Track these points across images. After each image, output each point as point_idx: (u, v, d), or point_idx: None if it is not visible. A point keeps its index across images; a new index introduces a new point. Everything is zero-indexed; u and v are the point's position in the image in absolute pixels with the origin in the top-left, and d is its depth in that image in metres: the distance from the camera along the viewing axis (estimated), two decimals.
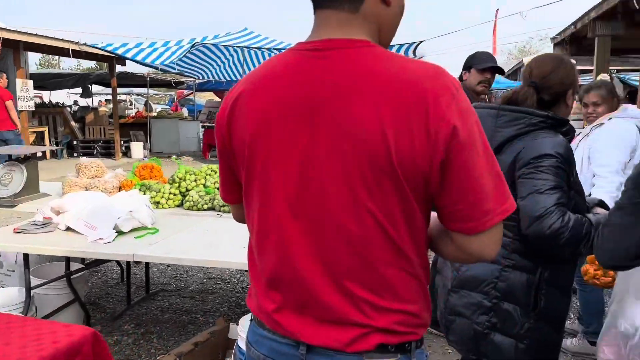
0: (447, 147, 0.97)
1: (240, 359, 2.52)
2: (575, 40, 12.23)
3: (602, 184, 2.75)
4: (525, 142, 1.81)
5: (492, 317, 1.85)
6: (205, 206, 3.68)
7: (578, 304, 3.54)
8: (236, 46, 10.99)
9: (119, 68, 14.62)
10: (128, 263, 4.28)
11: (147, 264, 4.36)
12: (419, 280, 1.10)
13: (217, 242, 2.89)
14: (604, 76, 3.33)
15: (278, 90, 1.07)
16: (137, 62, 11.23)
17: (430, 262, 2.00)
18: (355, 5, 1.06)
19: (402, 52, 9.79)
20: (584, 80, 15.27)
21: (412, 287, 1.09)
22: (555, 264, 1.82)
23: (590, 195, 2.56)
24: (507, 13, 36.95)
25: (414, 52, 9.72)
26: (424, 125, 0.97)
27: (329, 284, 1.06)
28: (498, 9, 19.99)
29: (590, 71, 9.98)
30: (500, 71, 3.53)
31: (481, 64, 3.47)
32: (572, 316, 3.87)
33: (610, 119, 3.08)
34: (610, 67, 12.71)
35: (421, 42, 9.47)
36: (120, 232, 3.00)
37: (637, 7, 6.60)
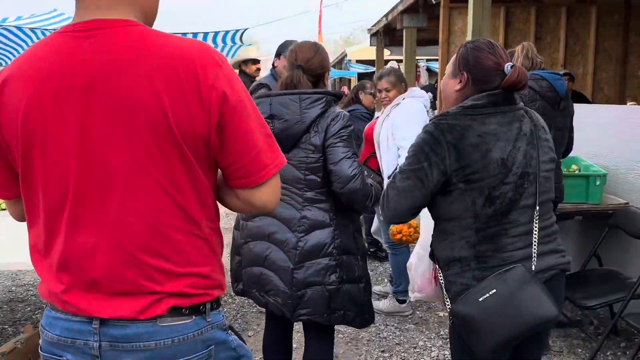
0: (220, 111, 1.06)
1: None
2: (389, 32, 13.30)
3: (406, 154, 3.13)
4: (326, 117, 2.10)
5: (340, 272, 2.13)
6: None
7: (391, 269, 3.91)
8: (44, 29, 9.95)
9: None
10: None
11: None
12: (209, 243, 1.15)
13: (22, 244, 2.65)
14: (393, 64, 3.73)
15: (45, 73, 1.07)
16: None
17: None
18: None
19: (228, 38, 9.74)
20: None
21: (203, 250, 1.14)
22: (356, 213, 2.26)
23: (398, 165, 2.89)
24: (329, 3, 38.56)
25: (240, 38, 9.73)
26: (197, 93, 1.04)
27: (119, 257, 1.08)
28: (322, 0, 20.74)
29: (402, 60, 10.89)
30: None
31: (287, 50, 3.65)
32: (386, 280, 4.28)
33: (404, 99, 3.50)
34: (418, 57, 14.14)
35: (246, 29, 9.53)
36: None
37: (434, 2, 7.37)
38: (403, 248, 3.66)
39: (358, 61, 21.19)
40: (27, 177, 1.11)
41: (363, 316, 2.23)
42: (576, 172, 3.57)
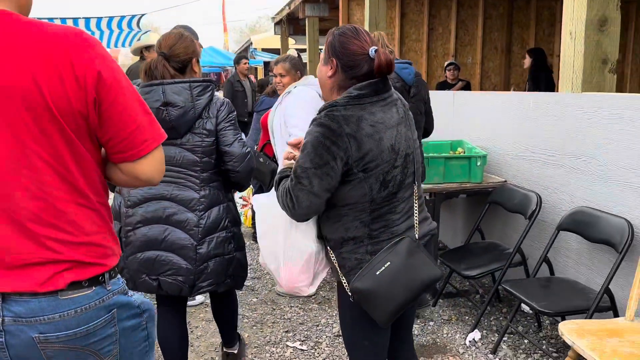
0: (96, 89, 1.14)
1: None
2: (293, 21, 13.36)
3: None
4: (215, 104, 2.28)
5: (233, 242, 2.38)
6: None
7: None
8: None
9: None
10: None
11: None
12: (100, 213, 1.23)
13: None
14: (292, 51, 3.79)
15: None
16: None
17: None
18: None
19: (124, 24, 9.38)
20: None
21: (94, 220, 1.21)
22: (240, 189, 2.52)
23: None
24: None
25: (137, 24, 9.40)
26: (72, 73, 1.12)
27: (13, 231, 1.13)
28: None
29: (305, 50, 11.02)
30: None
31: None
32: None
33: (296, 87, 3.56)
34: (323, 47, 14.35)
35: (143, 14, 9.23)
36: None
37: None
38: None
39: (264, 49, 21.07)
40: None
41: (244, 278, 2.52)
42: (460, 153, 3.86)
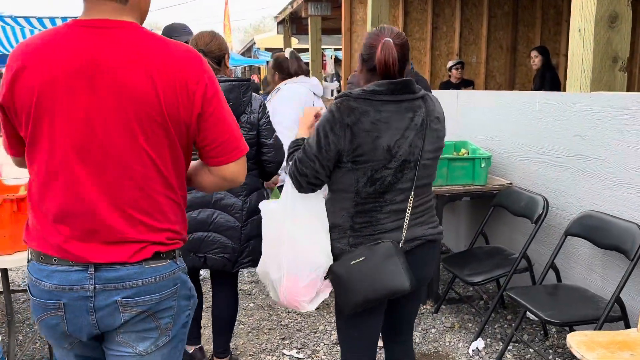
0: (202, 103, 1.35)
1: None
2: (296, 20, 13.25)
3: (281, 137, 3.21)
4: (254, 101, 2.52)
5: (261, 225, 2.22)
6: None
7: None
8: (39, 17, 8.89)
9: None
10: None
11: None
12: (181, 207, 1.45)
13: None
14: (287, 51, 3.73)
15: (61, 58, 1.28)
16: None
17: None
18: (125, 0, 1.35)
19: None
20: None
21: (176, 211, 1.43)
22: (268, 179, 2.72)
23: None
24: None
25: None
26: (185, 88, 1.32)
27: (114, 212, 1.32)
28: None
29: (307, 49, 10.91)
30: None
31: (176, 34, 3.67)
32: None
33: (286, 84, 3.55)
34: (326, 46, 14.23)
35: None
36: None
37: None
38: None
39: (267, 49, 20.99)
40: (34, 142, 1.33)
41: None
42: (464, 155, 3.74)
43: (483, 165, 3.39)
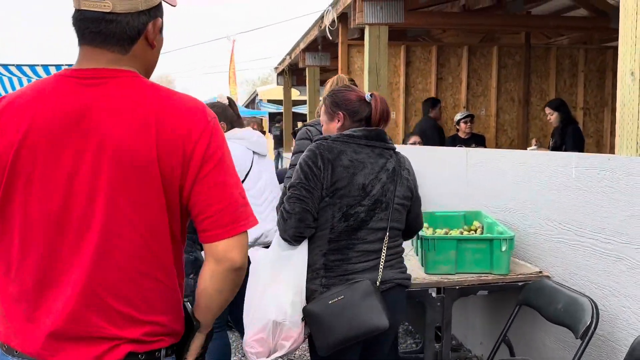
0: (200, 165, 1.17)
1: None
2: (296, 71, 12.80)
3: None
4: None
5: None
6: None
7: None
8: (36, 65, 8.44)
9: None
10: None
11: None
12: (174, 293, 1.23)
13: None
14: (222, 97, 3.04)
15: (46, 114, 1.14)
16: None
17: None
18: (126, 49, 1.21)
19: None
20: (298, 109, 16.24)
21: (168, 299, 1.22)
22: None
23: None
24: (246, 41, 38.43)
25: None
26: (182, 145, 1.16)
27: (88, 301, 1.13)
28: (235, 40, 20.27)
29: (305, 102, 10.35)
30: None
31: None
32: None
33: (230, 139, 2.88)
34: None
35: None
36: None
37: (331, 39, 6.84)
38: None
39: (269, 101, 20.82)
40: (4, 207, 1.16)
41: None
42: (478, 230, 2.93)
43: (504, 248, 2.57)
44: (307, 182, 1.94)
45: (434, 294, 2.55)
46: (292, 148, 2.83)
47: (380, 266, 1.98)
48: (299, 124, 15.30)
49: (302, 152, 2.24)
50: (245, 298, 2.05)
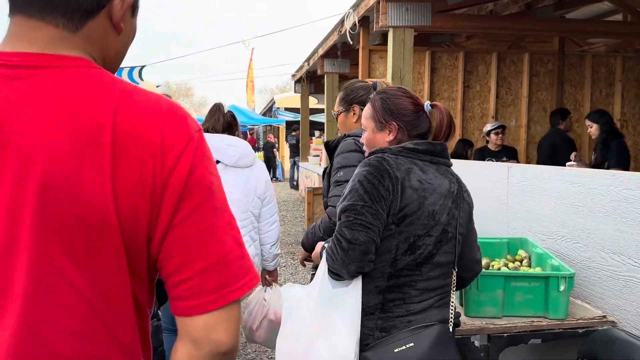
0: (177, 200, 0.80)
1: None
2: (314, 79, 12.46)
3: None
4: None
5: None
6: None
7: None
8: None
9: None
10: None
11: None
12: None
13: None
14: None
15: None
16: None
17: None
18: (76, 24, 0.83)
19: (124, 75, 8.51)
20: (315, 118, 15.85)
21: None
22: None
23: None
24: (262, 50, 38.21)
25: (139, 75, 8.56)
26: (151, 171, 0.79)
27: None
28: (253, 48, 20.07)
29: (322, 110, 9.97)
30: None
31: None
32: None
33: None
34: None
35: (144, 66, 8.40)
36: None
37: (351, 43, 6.46)
38: None
39: (286, 109, 20.56)
40: None
41: None
42: (524, 261, 2.49)
43: (562, 288, 2.13)
44: (372, 205, 1.59)
45: (476, 342, 2.11)
46: (334, 160, 2.30)
47: (451, 309, 1.70)
48: (317, 133, 14.96)
49: (353, 166, 1.91)
50: (279, 354, 1.71)
